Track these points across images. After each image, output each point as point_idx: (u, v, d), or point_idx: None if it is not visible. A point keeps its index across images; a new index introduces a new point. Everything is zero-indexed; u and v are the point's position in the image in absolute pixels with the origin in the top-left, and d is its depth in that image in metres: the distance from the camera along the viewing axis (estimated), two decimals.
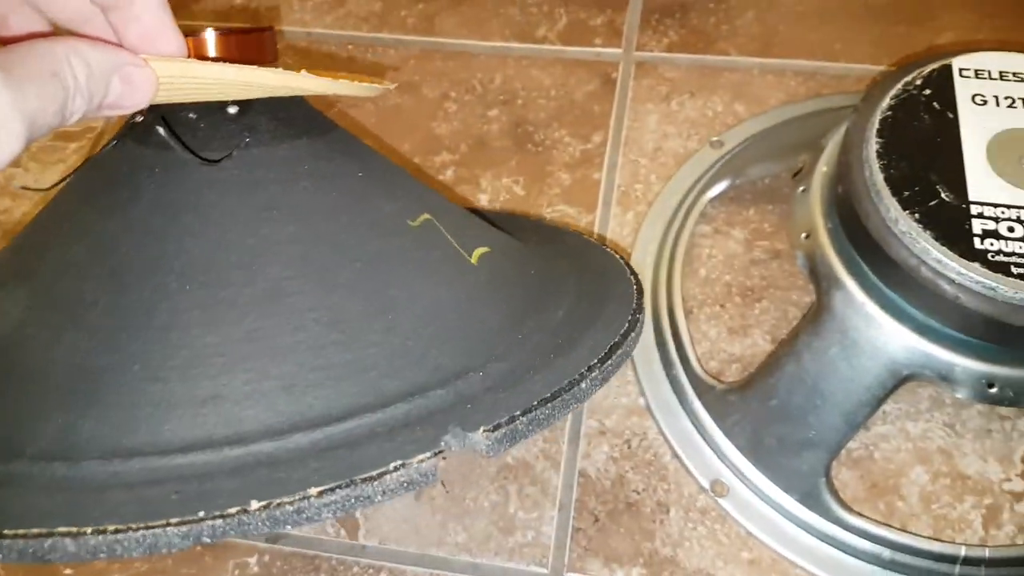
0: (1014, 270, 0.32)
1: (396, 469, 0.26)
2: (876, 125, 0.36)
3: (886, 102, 0.37)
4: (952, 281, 0.33)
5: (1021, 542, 0.38)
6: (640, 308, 0.37)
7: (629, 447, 0.42)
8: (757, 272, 0.46)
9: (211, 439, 0.27)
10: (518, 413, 0.29)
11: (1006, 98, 0.37)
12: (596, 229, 0.49)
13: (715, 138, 0.51)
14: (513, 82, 0.55)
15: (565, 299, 0.37)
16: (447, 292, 0.32)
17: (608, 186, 0.50)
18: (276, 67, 0.30)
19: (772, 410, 0.39)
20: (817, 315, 0.38)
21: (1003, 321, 0.32)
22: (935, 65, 0.38)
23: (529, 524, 0.40)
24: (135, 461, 0.26)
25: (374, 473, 0.25)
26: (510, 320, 0.33)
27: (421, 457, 0.26)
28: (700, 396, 0.42)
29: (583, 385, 0.31)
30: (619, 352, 0.34)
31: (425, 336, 0.31)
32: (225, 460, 0.26)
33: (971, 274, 0.32)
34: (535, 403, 0.29)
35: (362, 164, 0.34)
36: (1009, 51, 0.39)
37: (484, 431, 0.28)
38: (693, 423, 0.42)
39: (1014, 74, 0.38)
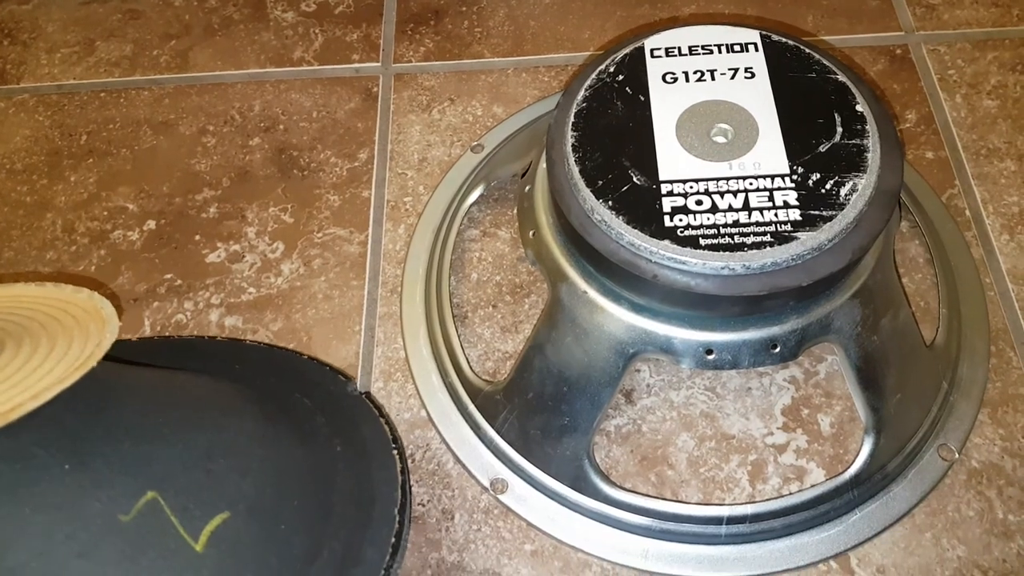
0: (702, 242, 0.34)
1: None
2: (571, 118, 0.37)
3: (581, 94, 0.38)
4: (648, 260, 0.34)
5: (786, 492, 0.40)
6: (402, 520, 0.36)
7: (413, 460, 0.42)
8: (524, 268, 0.47)
9: None
10: None
11: (695, 72, 0.39)
12: (369, 247, 0.49)
13: (476, 142, 0.51)
14: (273, 108, 0.54)
15: (324, 546, 0.34)
16: None
17: (378, 202, 0.50)
18: None
19: (530, 403, 0.40)
20: (550, 308, 0.39)
21: (703, 292, 0.34)
22: (627, 49, 0.39)
23: None
24: None
25: None
26: None
27: None
28: (474, 400, 0.42)
29: None
30: None
31: None
32: None
33: (662, 251, 0.33)
34: None
35: (74, 449, 0.30)
36: (699, 24, 0.41)
37: None
38: (471, 426, 0.42)
39: (702, 47, 0.40)
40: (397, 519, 0.35)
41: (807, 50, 0.39)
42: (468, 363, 0.44)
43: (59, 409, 0.29)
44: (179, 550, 0.30)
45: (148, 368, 0.37)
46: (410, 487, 0.40)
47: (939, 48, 0.55)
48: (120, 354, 0.34)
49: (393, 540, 0.34)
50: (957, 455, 0.41)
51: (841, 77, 0.38)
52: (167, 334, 0.46)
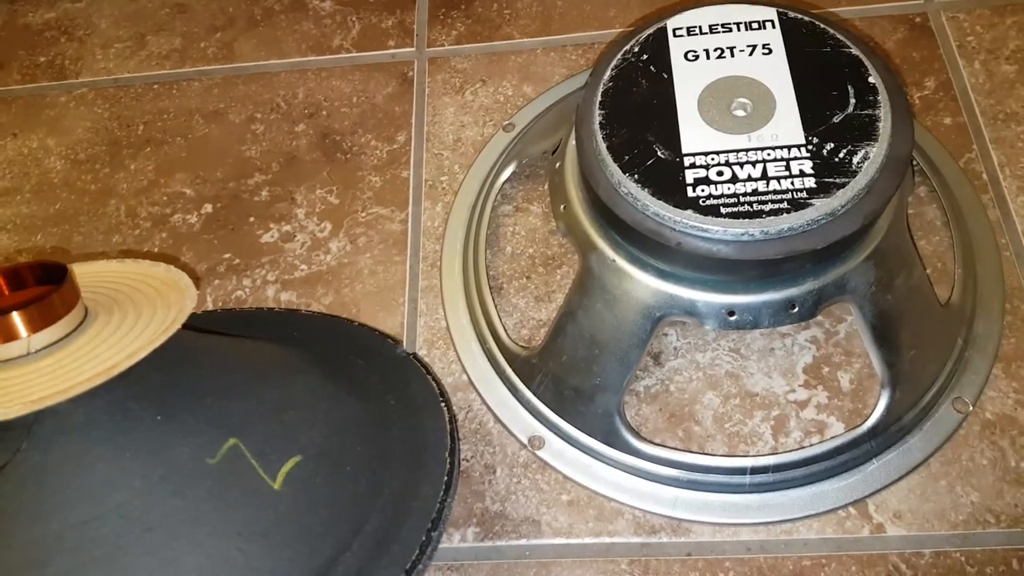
0: (723, 210, 0.36)
1: None
2: (599, 97, 0.40)
3: (607, 73, 0.40)
4: (672, 229, 0.36)
5: (807, 444, 0.43)
6: (453, 461, 0.39)
7: (457, 421, 0.45)
8: (556, 241, 0.50)
9: None
10: None
11: (716, 49, 0.41)
12: (410, 224, 0.52)
13: (507, 121, 0.54)
14: (315, 95, 0.58)
15: (384, 484, 0.37)
16: (238, 546, 0.33)
17: (416, 182, 0.53)
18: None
19: (564, 366, 0.43)
20: (581, 277, 0.42)
21: (724, 257, 0.36)
22: (650, 30, 0.42)
23: None
24: None
25: None
26: (311, 553, 0.34)
27: None
28: (511, 364, 0.45)
29: None
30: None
31: None
32: None
33: (685, 220, 0.36)
34: None
35: (163, 403, 0.34)
36: (721, 3, 0.42)
37: None
38: (509, 389, 0.45)
39: (722, 25, 0.42)
40: (448, 460, 0.39)
41: (822, 25, 0.41)
42: (505, 331, 0.47)
43: (147, 369, 0.33)
44: (259, 488, 0.34)
45: (218, 335, 0.41)
46: (458, 434, 0.43)
47: (958, 15, 0.56)
48: (192, 326, 0.38)
49: (446, 478, 0.38)
50: (971, 407, 0.43)
51: (854, 50, 0.40)
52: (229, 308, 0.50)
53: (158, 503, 0.32)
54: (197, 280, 0.50)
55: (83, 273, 0.38)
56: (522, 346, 0.46)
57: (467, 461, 0.44)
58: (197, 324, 0.43)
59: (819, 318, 0.46)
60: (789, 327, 0.46)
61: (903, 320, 0.41)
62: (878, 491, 0.41)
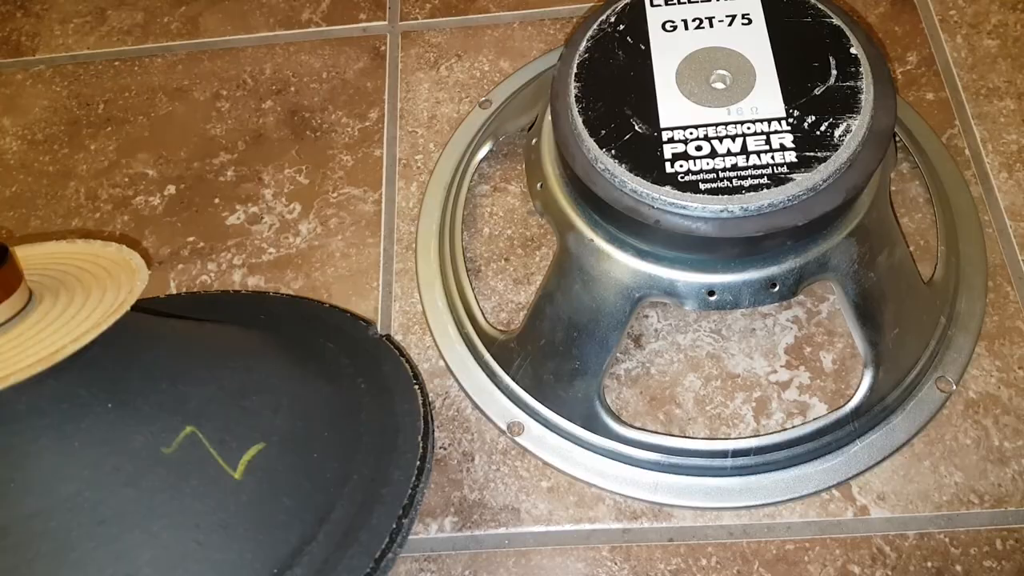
0: (702, 186, 0.35)
1: None
2: (574, 69, 0.38)
3: (583, 45, 0.39)
4: (650, 206, 0.35)
5: (789, 426, 0.42)
6: (426, 445, 0.38)
7: (434, 408, 0.44)
8: (535, 222, 0.49)
9: None
10: None
11: (694, 20, 0.40)
12: (383, 205, 0.50)
13: (483, 98, 0.52)
14: (283, 70, 0.56)
15: (353, 471, 0.36)
16: (195, 538, 0.32)
17: (390, 161, 0.52)
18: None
19: (543, 350, 0.42)
20: (559, 258, 0.40)
21: (704, 235, 0.35)
22: (627, 0, 0.40)
23: None
24: None
25: None
26: (274, 544, 0.33)
27: None
28: (489, 349, 0.44)
29: None
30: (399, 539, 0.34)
31: None
32: None
33: (663, 197, 0.35)
34: None
35: (115, 389, 0.33)
36: None
37: None
38: (487, 374, 0.44)
39: None
40: (421, 445, 0.38)
41: None
42: (483, 314, 0.46)
43: (98, 354, 0.31)
44: (219, 478, 0.32)
45: (178, 319, 0.39)
46: (432, 417, 0.42)
47: None
48: (150, 309, 0.36)
49: (418, 463, 0.37)
50: (955, 386, 0.42)
51: (836, 21, 0.39)
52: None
53: (110, 494, 0.30)
54: (151, 262, 0.49)
55: (29, 255, 0.36)
56: (500, 330, 0.45)
57: (444, 449, 0.43)
58: (159, 308, 0.42)
59: (801, 297, 0.45)
60: (771, 307, 0.45)
61: (886, 298, 0.41)
62: (861, 473, 0.40)
